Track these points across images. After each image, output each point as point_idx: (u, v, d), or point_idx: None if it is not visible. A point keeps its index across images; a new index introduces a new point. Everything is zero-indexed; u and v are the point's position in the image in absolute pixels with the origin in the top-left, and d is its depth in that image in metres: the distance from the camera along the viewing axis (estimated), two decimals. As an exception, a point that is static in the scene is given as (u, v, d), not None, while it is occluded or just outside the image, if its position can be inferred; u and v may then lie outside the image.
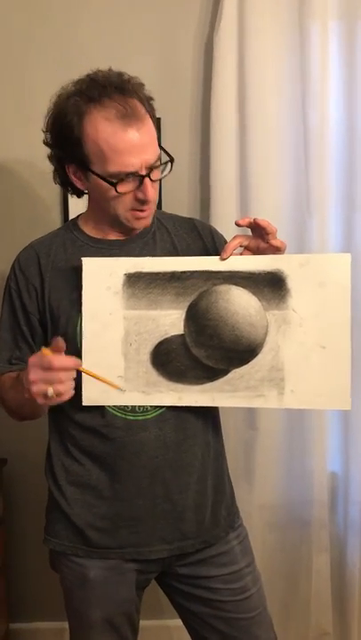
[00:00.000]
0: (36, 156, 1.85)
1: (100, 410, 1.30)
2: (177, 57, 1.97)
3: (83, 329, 1.26)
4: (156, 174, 1.24)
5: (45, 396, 1.11)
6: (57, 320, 1.31)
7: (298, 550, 2.04)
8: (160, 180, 1.28)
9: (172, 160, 1.26)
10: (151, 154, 1.22)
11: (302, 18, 1.88)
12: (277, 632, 1.46)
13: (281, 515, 2.04)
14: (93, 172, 1.24)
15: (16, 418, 1.39)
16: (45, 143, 1.31)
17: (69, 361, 1.14)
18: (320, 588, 2.02)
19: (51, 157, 1.33)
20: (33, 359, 1.14)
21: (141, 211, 1.27)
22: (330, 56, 1.90)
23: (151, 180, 1.23)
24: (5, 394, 1.34)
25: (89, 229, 1.36)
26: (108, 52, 1.81)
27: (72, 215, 1.91)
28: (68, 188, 1.36)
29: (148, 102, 1.25)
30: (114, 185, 1.22)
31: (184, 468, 1.33)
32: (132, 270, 1.26)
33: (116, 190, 1.22)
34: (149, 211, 1.28)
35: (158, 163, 1.24)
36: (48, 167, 1.31)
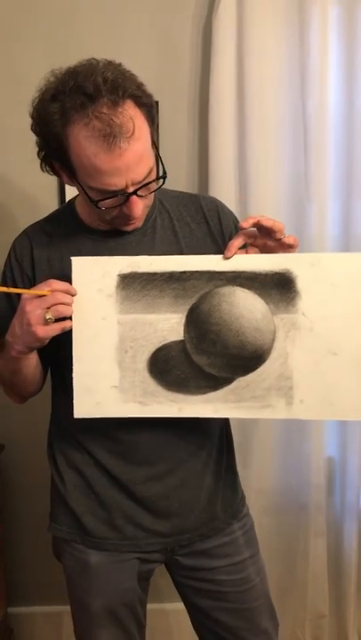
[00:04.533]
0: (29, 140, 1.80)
1: None
2: (175, 40, 1.88)
3: (73, 336, 1.15)
4: (145, 190, 1.12)
5: (46, 322, 1.09)
6: None
7: (295, 534, 2.03)
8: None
9: (164, 176, 1.14)
10: (139, 173, 1.08)
11: (302, 2, 1.82)
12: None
13: (278, 499, 2.02)
14: (78, 181, 1.13)
15: (15, 396, 1.34)
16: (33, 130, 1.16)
17: (49, 285, 1.11)
18: (317, 572, 2.03)
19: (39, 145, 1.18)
20: (15, 319, 1.13)
21: (128, 223, 1.18)
22: (329, 41, 1.84)
23: (139, 196, 1.11)
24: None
25: (84, 215, 1.26)
26: (104, 36, 1.76)
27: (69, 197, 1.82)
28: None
29: (142, 96, 1.09)
30: (95, 203, 1.11)
31: (182, 464, 1.30)
32: (127, 270, 1.15)
33: (97, 207, 1.12)
34: (140, 219, 1.20)
35: (150, 178, 1.11)
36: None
